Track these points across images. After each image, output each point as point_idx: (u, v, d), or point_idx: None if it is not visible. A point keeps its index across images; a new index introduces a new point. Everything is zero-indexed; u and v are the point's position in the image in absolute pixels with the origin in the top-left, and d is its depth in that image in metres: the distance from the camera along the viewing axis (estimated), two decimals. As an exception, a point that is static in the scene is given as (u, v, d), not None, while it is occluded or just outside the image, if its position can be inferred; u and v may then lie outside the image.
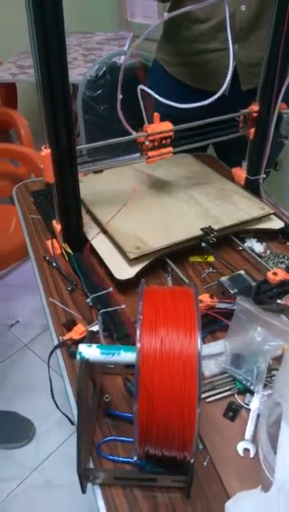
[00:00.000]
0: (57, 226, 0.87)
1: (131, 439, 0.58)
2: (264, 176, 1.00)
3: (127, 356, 0.51)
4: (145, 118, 0.84)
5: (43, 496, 1.27)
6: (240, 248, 0.90)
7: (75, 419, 0.61)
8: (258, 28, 1.03)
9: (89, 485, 0.54)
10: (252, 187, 1.02)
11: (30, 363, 1.63)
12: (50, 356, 0.70)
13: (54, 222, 0.89)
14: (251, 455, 0.56)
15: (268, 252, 0.90)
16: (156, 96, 0.80)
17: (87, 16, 2.44)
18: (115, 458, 0.56)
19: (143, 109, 0.82)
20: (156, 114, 0.84)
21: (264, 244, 0.91)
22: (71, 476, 1.34)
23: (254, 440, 0.57)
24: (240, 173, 1.05)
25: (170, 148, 0.89)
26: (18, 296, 1.90)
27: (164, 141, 0.87)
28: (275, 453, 0.45)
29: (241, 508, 0.41)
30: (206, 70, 1.10)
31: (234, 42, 1.03)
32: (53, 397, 0.71)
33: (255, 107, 0.94)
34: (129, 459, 0.56)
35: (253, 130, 0.97)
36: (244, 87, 1.08)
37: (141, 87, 0.81)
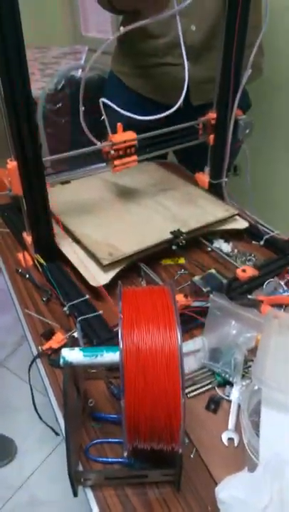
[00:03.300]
0: (27, 238, 0.88)
1: (118, 440, 0.59)
2: (226, 179, 1.04)
3: (110, 356, 0.52)
4: (109, 129, 0.86)
5: (29, 515, 1.24)
6: (209, 249, 0.94)
7: (61, 424, 0.62)
8: (209, 50, 1.06)
9: (80, 489, 0.55)
10: (215, 190, 1.06)
11: (6, 382, 1.60)
12: (30, 366, 0.70)
13: (24, 234, 0.89)
14: (235, 443, 0.58)
15: (236, 251, 0.94)
16: (117, 108, 0.82)
17: (41, 30, 2.45)
18: (104, 459, 0.57)
19: (106, 120, 0.85)
20: (119, 124, 0.87)
21: (231, 243, 0.95)
22: (57, 490, 1.34)
23: (237, 429, 0.60)
24: (204, 177, 1.09)
25: (135, 157, 0.91)
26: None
27: (128, 150, 0.90)
28: (258, 436, 0.48)
29: (230, 491, 0.43)
30: (160, 82, 1.14)
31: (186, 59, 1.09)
32: (35, 408, 0.71)
33: (212, 115, 0.98)
34: (118, 459, 0.57)
35: (212, 136, 1.01)
36: (194, 103, 1.12)
37: (103, 99, 0.84)
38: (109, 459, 0.57)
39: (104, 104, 0.81)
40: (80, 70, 1.86)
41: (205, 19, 0.99)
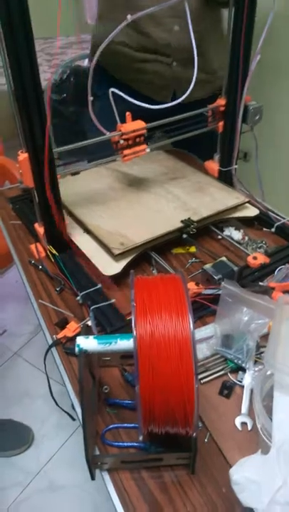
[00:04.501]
0: (40, 229, 0.89)
1: (133, 425, 0.60)
2: (236, 166, 1.04)
3: (124, 343, 0.53)
4: (117, 118, 0.86)
5: (48, 499, 1.27)
6: (220, 237, 0.94)
7: (77, 410, 0.63)
8: (198, 54, 1.04)
9: (97, 473, 0.56)
10: (225, 178, 1.06)
11: (21, 370, 1.63)
12: (46, 354, 0.72)
13: (36, 225, 0.90)
14: (249, 428, 0.59)
15: (246, 238, 0.94)
16: (128, 97, 0.82)
17: (47, 20, 2.44)
18: (120, 444, 0.59)
19: (115, 109, 0.85)
20: (128, 114, 0.87)
21: (242, 231, 0.95)
22: (74, 476, 1.37)
23: (250, 414, 0.61)
24: (213, 165, 1.09)
25: (144, 146, 0.91)
26: (1, 306, 1.90)
27: (137, 139, 0.90)
28: (271, 420, 0.49)
29: (244, 472, 0.44)
30: (145, 77, 1.13)
31: (173, 59, 1.09)
32: (51, 395, 0.73)
33: (222, 101, 0.97)
34: (134, 443, 0.58)
35: (221, 123, 1.00)
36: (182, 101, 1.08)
37: (112, 89, 0.84)
38: (125, 444, 0.59)
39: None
40: (87, 60, 1.86)
41: (187, 21, 0.96)
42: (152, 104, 0.84)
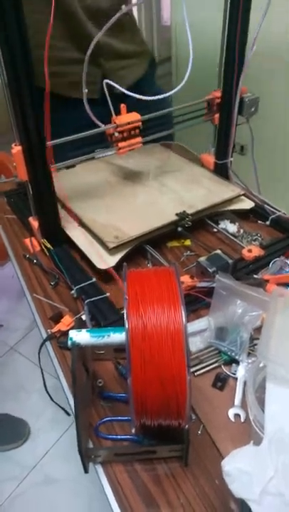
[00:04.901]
0: (34, 223, 0.89)
1: (127, 418, 0.60)
2: (231, 159, 1.04)
3: (117, 336, 0.53)
4: (112, 110, 0.86)
5: (44, 493, 1.28)
6: (215, 230, 0.93)
7: (71, 404, 0.63)
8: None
9: (91, 466, 0.56)
10: (221, 171, 1.05)
11: (18, 365, 1.64)
12: (40, 349, 0.72)
13: (31, 219, 0.90)
14: (242, 419, 0.59)
15: (242, 231, 0.93)
16: (124, 90, 0.81)
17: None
18: (114, 436, 0.59)
19: (110, 101, 0.84)
20: (122, 106, 0.86)
21: (237, 224, 0.95)
22: (70, 469, 1.37)
23: (243, 406, 0.61)
24: (209, 158, 1.08)
25: (139, 139, 0.91)
26: (-4, 302, 1.90)
27: (132, 132, 0.89)
28: (263, 411, 0.49)
29: (236, 464, 0.44)
30: (70, 78, 1.04)
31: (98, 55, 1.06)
32: (46, 390, 0.73)
33: (217, 93, 0.97)
34: (127, 436, 0.58)
35: (217, 116, 1.00)
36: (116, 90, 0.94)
37: (106, 81, 0.83)
38: (119, 436, 0.59)
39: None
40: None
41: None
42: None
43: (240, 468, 0.43)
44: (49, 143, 0.79)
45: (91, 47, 0.73)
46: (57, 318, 0.76)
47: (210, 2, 1.09)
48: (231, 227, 0.93)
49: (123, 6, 0.74)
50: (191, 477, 0.55)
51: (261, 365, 0.56)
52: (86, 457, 0.54)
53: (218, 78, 0.95)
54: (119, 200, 0.95)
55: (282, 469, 0.42)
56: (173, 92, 0.84)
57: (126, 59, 1.15)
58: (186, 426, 0.49)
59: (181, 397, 0.46)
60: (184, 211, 0.89)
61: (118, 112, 0.87)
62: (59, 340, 0.73)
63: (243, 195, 0.98)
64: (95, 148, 0.89)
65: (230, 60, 0.90)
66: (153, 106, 0.86)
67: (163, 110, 0.92)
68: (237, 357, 0.65)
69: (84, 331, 0.54)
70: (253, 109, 0.97)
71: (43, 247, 0.88)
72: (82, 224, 0.90)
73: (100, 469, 0.57)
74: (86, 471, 0.55)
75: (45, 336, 0.74)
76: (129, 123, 0.87)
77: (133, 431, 0.50)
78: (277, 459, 0.42)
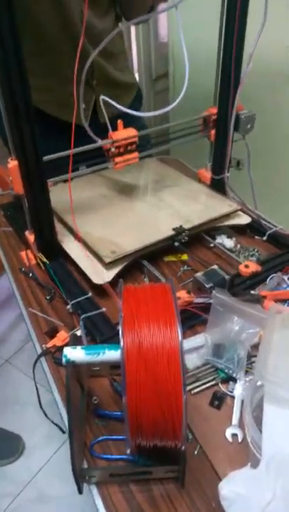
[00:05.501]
0: (30, 236, 0.88)
1: (122, 437, 0.59)
2: (228, 174, 1.04)
3: (112, 354, 0.52)
4: (109, 126, 0.86)
5: (38, 510, 1.25)
6: (212, 245, 0.93)
7: (66, 422, 0.62)
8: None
9: (85, 486, 0.55)
10: (218, 186, 1.05)
11: (12, 378, 1.62)
12: (35, 364, 0.71)
13: (27, 232, 0.89)
14: (239, 439, 0.58)
15: (238, 246, 0.93)
16: (122, 107, 0.81)
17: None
18: (109, 456, 0.58)
19: (106, 118, 0.84)
20: (119, 121, 0.87)
21: (234, 239, 0.95)
22: (65, 486, 1.35)
23: (241, 425, 0.60)
24: (206, 173, 1.09)
25: (136, 154, 0.91)
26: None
27: (129, 147, 0.89)
28: (261, 432, 0.48)
29: (233, 486, 0.43)
30: (64, 100, 0.99)
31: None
32: (40, 406, 0.72)
33: (213, 110, 0.97)
34: (122, 456, 0.57)
35: (213, 132, 1.00)
36: (102, 120, 0.97)
37: (103, 97, 0.83)
38: (114, 456, 0.58)
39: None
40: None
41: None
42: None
43: (238, 492, 0.42)
44: (45, 157, 0.79)
45: (88, 63, 0.73)
46: (52, 333, 0.75)
47: (206, 19, 1.10)
48: (228, 243, 0.93)
49: (120, 24, 0.75)
50: (188, 499, 0.54)
51: (259, 383, 0.55)
52: (80, 477, 0.53)
53: (214, 95, 0.96)
54: (115, 215, 0.95)
55: (280, 493, 0.41)
56: (170, 107, 0.84)
57: (117, 88, 1.14)
58: (183, 447, 0.48)
59: (177, 417, 0.45)
60: (181, 226, 0.89)
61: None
62: (54, 355, 0.72)
63: (240, 210, 0.98)
64: (92, 164, 0.90)
65: (226, 77, 0.91)
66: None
67: (160, 126, 0.92)
68: (234, 375, 0.64)
69: (79, 348, 0.54)
70: (249, 126, 0.98)
71: (39, 260, 0.88)
72: (78, 238, 0.90)
73: (94, 490, 0.55)
74: (80, 491, 0.54)
75: (40, 351, 0.73)
76: (125, 138, 0.87)
77: (128, 451, 0.49)
78: (275, 482, 0.41)
